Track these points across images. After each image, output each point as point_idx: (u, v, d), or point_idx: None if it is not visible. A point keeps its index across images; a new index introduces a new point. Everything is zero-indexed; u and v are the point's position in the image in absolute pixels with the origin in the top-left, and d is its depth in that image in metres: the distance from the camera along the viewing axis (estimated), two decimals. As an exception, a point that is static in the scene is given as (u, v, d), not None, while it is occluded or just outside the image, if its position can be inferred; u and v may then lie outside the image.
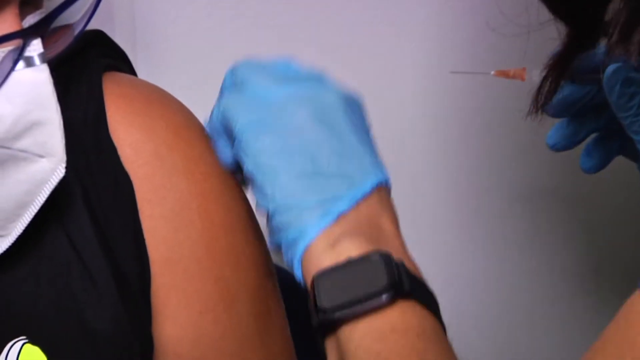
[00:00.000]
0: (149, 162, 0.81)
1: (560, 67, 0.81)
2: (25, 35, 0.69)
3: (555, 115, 0.93)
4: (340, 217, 0.72)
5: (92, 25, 0.76)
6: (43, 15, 0.71)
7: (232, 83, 0.80)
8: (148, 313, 0.81)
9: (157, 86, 0.87)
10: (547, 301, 1.30)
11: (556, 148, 0.94)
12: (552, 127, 0.94)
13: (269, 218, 0.75)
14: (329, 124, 0.76)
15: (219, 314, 0.82)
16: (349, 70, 1.25)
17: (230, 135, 0.78)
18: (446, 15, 1.24)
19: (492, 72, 0.96)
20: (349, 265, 0.71)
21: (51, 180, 0.72)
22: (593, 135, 0.94)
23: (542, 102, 0.83)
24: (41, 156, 0.71)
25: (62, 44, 0.74)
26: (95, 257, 0.79)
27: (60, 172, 0.72)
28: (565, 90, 0.93)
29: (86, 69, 0.83)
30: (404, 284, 0.70)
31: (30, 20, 0.71)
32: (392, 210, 0.76)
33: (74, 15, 0.74)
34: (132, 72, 0.90)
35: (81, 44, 0.83)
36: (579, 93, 0.91)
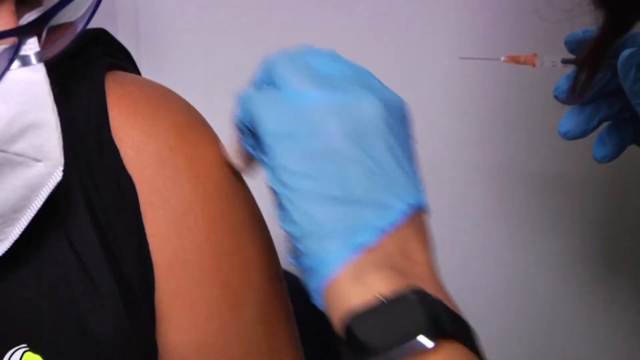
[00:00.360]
0: (151, 165, 0.79)
1: (597, 54, 0.79)
2: (21, 33, 0.67)
3: (567, 101, 0.92)
4: (365, 247, 0.68)
5: (94, 23, 0.74)
6: (41, 13, 0.69)
7: (266, 78, 0.75)
8: (151, 318, 0.79)
9: (160, 85, 0.85)
10: (559, 291, 1.28)
11: (568, 136, 0.92)
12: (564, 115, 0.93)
13: (292, 240, 0.71)
14: (364, 142, 0.70)
15: (225, 319, 0.80)
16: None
17: (254, 134, 0.74)
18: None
19: (503, 58, 0.95)
20: (384, 306, 0.66)
21: (48, 184, 0.70)
22: (606, 124, 0.92)
23: (579, 90, 0.82)
24: (38, 160, 0.69)
25: (64, 42, 0.72)
26: (97, 261, 0.77)
27: (57, 175, 0.70)
28: None
29: (89, 67, 0.81)
30: (446, 326, 0.66)
31: (28, 18, 0.69)
32: (426, 238, 0.72)
33: (75, 13, 0.72)
34: (136, 70, 0.88)
35: (84, 42, 0.81)
36: None
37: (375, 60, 1.25)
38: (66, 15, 0.71)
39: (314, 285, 0.69)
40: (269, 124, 0.71)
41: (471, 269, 1.28)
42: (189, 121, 0.82)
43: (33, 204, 0.71)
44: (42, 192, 0.70)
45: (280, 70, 0.73)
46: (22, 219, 0.71)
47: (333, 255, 0.69)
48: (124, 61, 0.86)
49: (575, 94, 0.83)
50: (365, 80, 0.74)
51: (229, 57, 1.21)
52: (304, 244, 0.70)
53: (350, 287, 0.68)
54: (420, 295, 0.67)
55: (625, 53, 0.83)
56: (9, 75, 0.67)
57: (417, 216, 0.71)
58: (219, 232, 0.80)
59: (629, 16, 0.77)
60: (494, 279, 1.28)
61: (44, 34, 0.69)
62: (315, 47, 0.76)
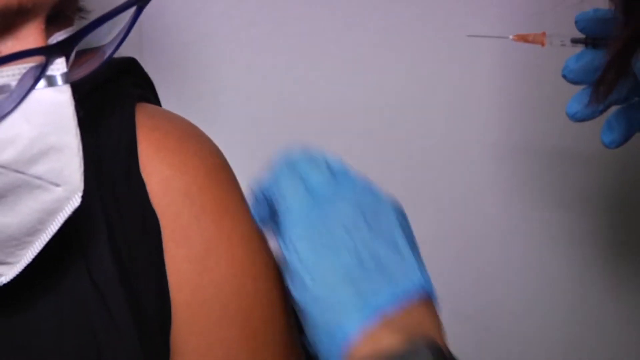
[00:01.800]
0: (178, 201, 0.79)
1: (625, 54, 0.74)
2: (48, 52, 0.65)
3: (576, 81, 0.91)
4: (381, 313, 0.71)
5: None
6: (71, 33, 0.68)
7: (286, 168, 0.79)
8: (166, 352, 0.79)
9: (189, 122, 0.85)
10: (560, 291, 1.28)
11: (576, 118, 0.91)
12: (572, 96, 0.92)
13: (304, 310, 0.74)
14: (377, 225, 0.75)
15: None
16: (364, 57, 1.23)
17: (272, 215, 0.78)
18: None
19: (511, 37, 0.94)
20: (398, 355, 0.70)
21: (65, 209, 0.69)
22: (614, 108, 0.92)
23: (604, 92, 0.78)
24: (57, 185, 0.68)
25: (91, 66, 0.70)
26: (116, 294, 0.77)
27: (75, 201, 0.68)
28: (587, 56, 0.90)
29: (119, 98, 0.81)
30: None
31: (57, 37, 0.68)
32: (439, 320, 0.75)
33: (104, 38, 0.71)
34: (158, 102, 0.88)
35: (115, 71, 0.81)
36: (602, 59, 0.84)
37: (384, 43, 1.26)
38: (94, 40, 0.70)
39: (333, 353, 0.71)
40: (289, 202, 0.77)
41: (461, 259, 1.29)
42: (219, 163, 0.83)
43: (49, 229, 0.69)
44: (58, 217, 0.69)
45: (299, 163, 0.79)
46: (36, 243, 0.70)
47: (351, 321, 0.71)
48: (149, 93, 0.86)
49: (598, 97, 0.79)
50: (372, 185, 0.79)
51: (236, 68, 1.20)
52: (320, 313, 0.72)
53: (370, 353, 0.70)
54: (431, 345, 0.70)
55: None
56: (34, 94, 0.65)
57: (430, 301, 0.75)
58: (241, 275, 0.81)
59: None
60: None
61: (72, 56, 0.68)
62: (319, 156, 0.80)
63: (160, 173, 0.79)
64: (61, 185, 0.68)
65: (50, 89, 0.66)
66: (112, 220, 0.78)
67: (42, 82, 0.65)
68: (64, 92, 0.66)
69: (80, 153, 0.68)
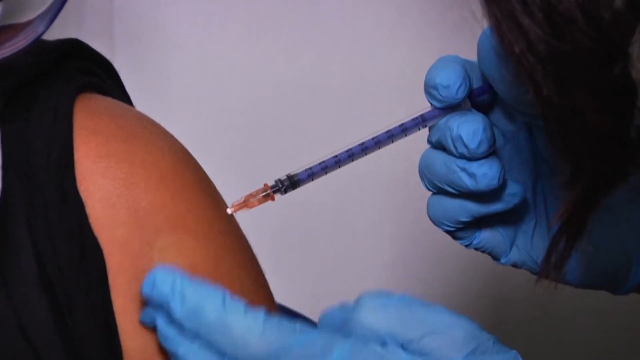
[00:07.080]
0: (126, 223, 0.65)
1: (577, 222, 0.60)
2: None
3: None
4: None
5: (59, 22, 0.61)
6: None
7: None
8: None
9: (142, 115, 0.71)
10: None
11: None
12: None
13: None
14: None
15: None
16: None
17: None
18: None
19: (230, 210, 0.69)
20: None
21: None
22: None
23: (554, 266, 0.64)
24: None
25: (17, 44, 0.58)
26: (50, 345, 0.63)
27: None
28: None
29: (55, 92, 0.67)
30: None
31: None
32: None
33: (33, 11, 0.58)
34: (118, 84, 0.74)
35: (54, 57, 0.68)
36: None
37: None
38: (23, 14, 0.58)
39: None
40: None
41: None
42: (175, 166, 0.68)
43: None
44: None
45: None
46: None
47: None
48: (102, 78, 0.72)
49: (548, 273, 0.65)
50: None
51: (212, 47, 1.19)
52: None
53: None
54: None
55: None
56: None
57: None
58: None
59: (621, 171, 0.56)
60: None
61: None
62: None
63: (102, 189, 0.65)
64: None
65: None
66: (44, 256, 0.64)
67: None
68: None
69: None
